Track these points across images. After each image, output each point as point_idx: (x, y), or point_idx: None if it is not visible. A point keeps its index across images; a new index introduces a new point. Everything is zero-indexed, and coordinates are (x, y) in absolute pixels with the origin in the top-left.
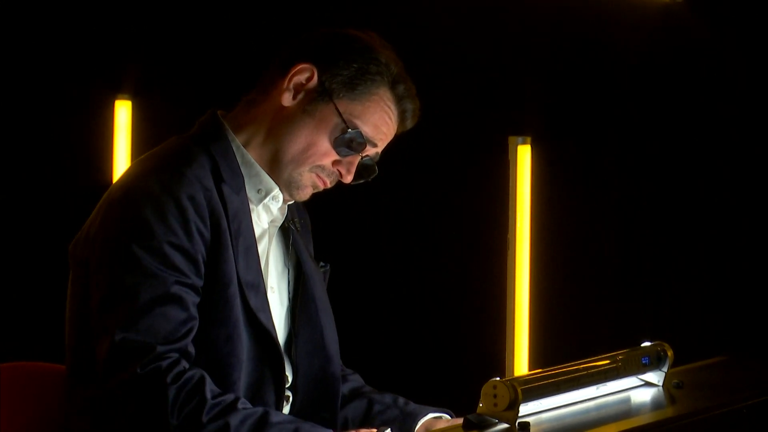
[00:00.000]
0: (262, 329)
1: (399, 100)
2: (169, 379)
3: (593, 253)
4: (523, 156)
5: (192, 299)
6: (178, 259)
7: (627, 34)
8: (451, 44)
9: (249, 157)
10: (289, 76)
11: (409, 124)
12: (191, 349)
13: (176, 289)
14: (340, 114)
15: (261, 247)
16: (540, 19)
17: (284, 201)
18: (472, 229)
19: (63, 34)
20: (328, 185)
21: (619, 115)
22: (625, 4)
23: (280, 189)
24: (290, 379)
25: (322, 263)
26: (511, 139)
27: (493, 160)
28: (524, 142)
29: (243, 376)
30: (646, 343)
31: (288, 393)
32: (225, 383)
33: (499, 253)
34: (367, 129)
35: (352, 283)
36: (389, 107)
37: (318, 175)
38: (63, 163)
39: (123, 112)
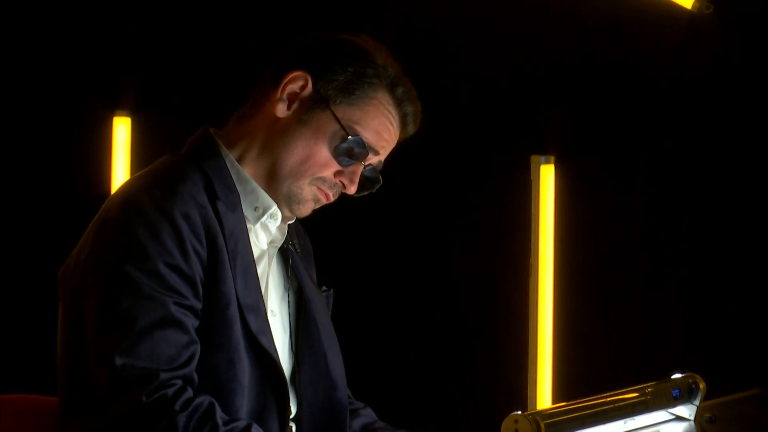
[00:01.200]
0: (264, 353)
1: (399, 104)
2: (177, 407)
3: (620, 279)
4: (546, 175)
5: (192, 322)
6: (174, 280)
7: (651, 49)
8: (473, 62)
9: (244, 174)
10: (282, 85)
11: (411, 129)
12: (195, 376)
13: (175, 311)
14: (338, 120)
15: (260, 269)
16: (563, 36)
17: (284, 219)
18: (493, 252)
19: (62, 49)
20: (331, 198)
21: (645, 132)
22: (649, 18)
23: (280, 205)
24: (294, 410)
25: (324, 287)
26: (534, 158)
27: (515, 180)
28: (547, 161)
29: (245, 404)
30: (677, 375)
31: (291, 424)
32: (227, 411)
33: (520, 278)
34: (368, 135)
35: (365, 309)
36: (389, 111)
37: (319, 188)
38: (61, 180)
39: (122, 128)
